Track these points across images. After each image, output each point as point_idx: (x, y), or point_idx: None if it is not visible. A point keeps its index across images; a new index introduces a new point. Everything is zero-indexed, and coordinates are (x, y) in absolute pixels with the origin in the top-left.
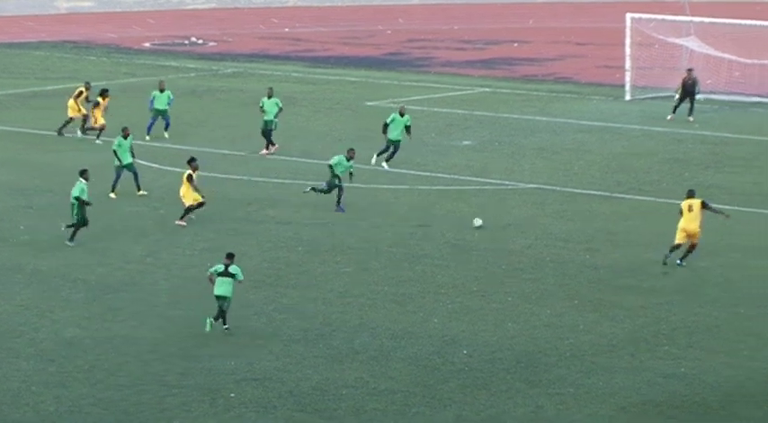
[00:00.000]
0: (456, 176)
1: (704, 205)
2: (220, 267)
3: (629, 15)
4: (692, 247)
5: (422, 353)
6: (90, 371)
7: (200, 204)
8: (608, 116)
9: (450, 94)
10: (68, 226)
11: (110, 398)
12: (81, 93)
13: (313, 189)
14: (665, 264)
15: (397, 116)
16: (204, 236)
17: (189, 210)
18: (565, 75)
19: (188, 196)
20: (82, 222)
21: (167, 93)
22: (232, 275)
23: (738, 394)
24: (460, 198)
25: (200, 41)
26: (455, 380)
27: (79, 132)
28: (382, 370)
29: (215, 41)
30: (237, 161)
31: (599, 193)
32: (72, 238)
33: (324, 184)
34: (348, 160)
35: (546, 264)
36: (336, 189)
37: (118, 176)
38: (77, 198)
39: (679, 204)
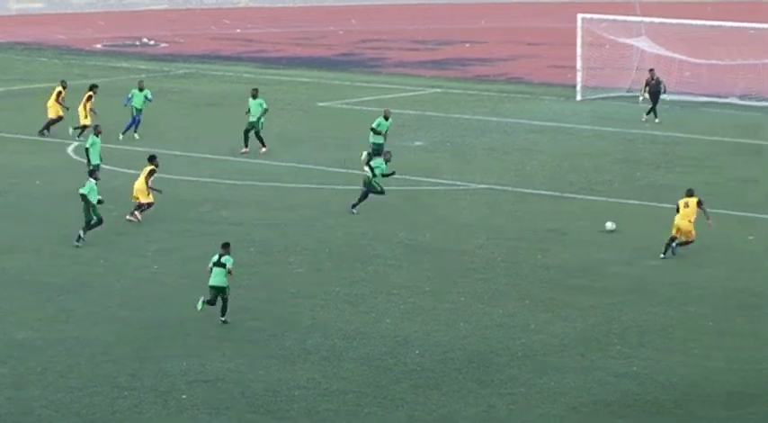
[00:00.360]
0: (407, 177)
1: (700, 204)
2: (215, 258)
3: (580, 16)
4: (686, 242)
5: (374, 353)
6: (42, 373)
7: (150, 205)
8: (559, 116)
9: (402, 94)
10: (88, 226)
11: (61, 400)
12: (60, 93)
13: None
14: (663, 256)
15: (383, 120)
16: (156, 237)
17: (140, 207)
18: (516, 75)
19: (142, 192)
20: (91, 221)
21: (145, 91)
22: (224, 265)
23: (692, 393)
24: (412, 198)
25: (152, 42)
26: (407, 380)
27: (70, 130)
28: (334, 370)
29: (166, 42)
30: (189, 162)
31: (550, 193)
32: (79, 238)
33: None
34: (386, 162)
35: (498, 264)
36: (368, 192)
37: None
38: (83, 196)
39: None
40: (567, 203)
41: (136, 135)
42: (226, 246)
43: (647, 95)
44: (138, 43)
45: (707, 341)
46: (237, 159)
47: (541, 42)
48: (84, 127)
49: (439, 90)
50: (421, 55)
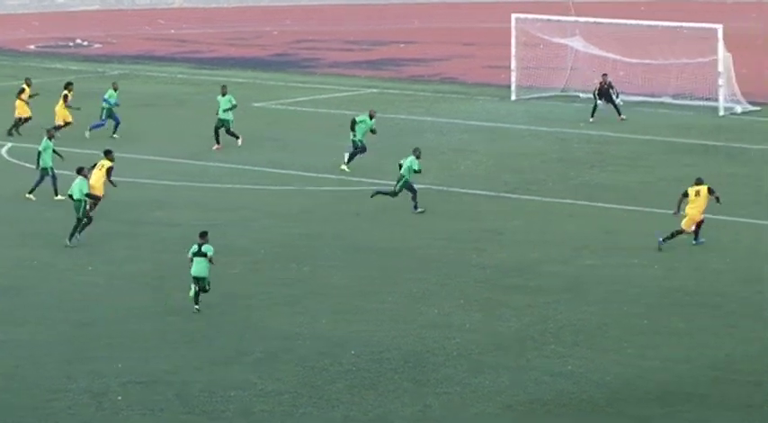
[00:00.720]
0: (344, 177)
1: (711, 191)
2: (195, 247)
3: (514, 16)
4: (698, 225)
5: (310, 354)
6: None
7: (98, 199)
8: (494, 116)
9: (338, 94)
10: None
11: None
12: (23, 90)
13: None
14: (660, 249)
15: (367, 118)
16: (92, 238)
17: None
18: (451, 75)
19: (98, 187)
20: (82, 220)
21: (117, 93)
22: (205, 255)
23: (625, 392)
24: (348, 199)
25: (86, 43)
26: (343, 380)
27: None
28: (270, 371)
29: (100, 43)
30: (124, 163)
31: (485, 192)
32: (71, 236)
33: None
34: (417, 158)
35: (433, 264)
36: (411, 187)
37: (41, 179)
38: (70, 195)
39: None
40: (502, 203)
41: (114, 135)
42: (203, 234)
43: (599, 100)
44: (71, 44)
45: (641, 340)
46: (173, 160)
47: (476, 42)
48: (67, 124)
49: (374, 90)
50: (355, 55)
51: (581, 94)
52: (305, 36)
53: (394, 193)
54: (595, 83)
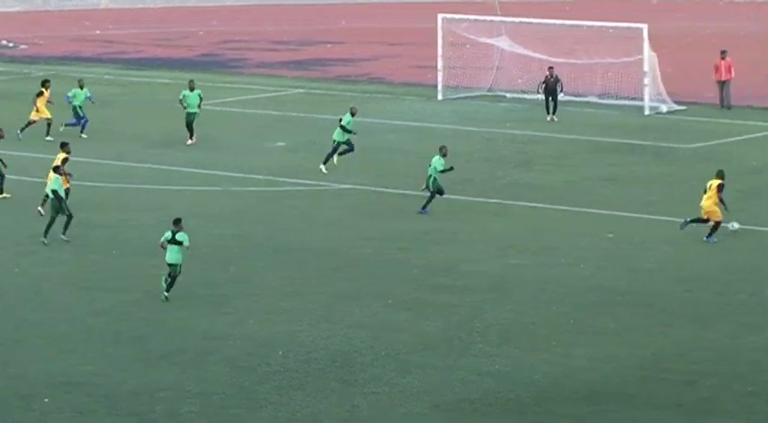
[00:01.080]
0: (271, 178)
1: (719, 188)
2: (168, 234)
3: (440, 16)
4: (715, 226)
5: (238, 354)
6: None
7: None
8: (421, 116)
9: (264, 95)
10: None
11: None
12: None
13: (426, 189)
14: (682, 228)
15: (350, 117)
16: (16, 240)
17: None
18: (378, 75)
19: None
20: (63, 218)
21: (86, 90)
22: (179, 243)
23: (553, 391)
24: (275, 199)
25: (11, 44)
26: (271, 381)
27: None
28: (198, 372)
29: (26, 44)
30: (49, 164)
31: (412, 192)
32: (64, 232)
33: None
34: (443, 157)
35: (360, 263)
36: (434, 194)
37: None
38: (54, 191)
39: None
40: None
41: (83, 135)
42: (177, 222)
43: (542, 94)
44: None
45: (568, 339)
46: (98, 161)
47: (403, 42)
48: (31, 124)
49: (301, 90)
50: (282, 55)
51: (507, 94)
52: (232, 36)
53: (440, 192)
54: (519, 83)
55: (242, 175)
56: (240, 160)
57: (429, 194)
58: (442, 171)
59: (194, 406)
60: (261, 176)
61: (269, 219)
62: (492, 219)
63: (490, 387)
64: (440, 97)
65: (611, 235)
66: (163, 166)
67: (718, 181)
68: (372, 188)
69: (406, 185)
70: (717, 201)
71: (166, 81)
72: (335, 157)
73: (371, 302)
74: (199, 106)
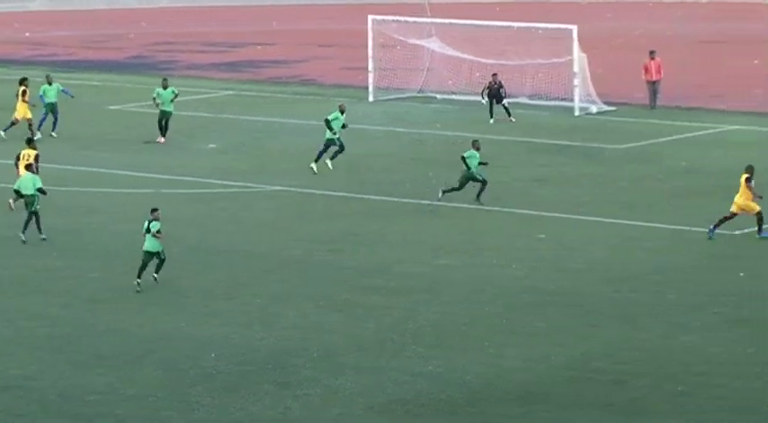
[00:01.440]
0: (201, 179)
1: (747, 181)
2: (146, 224)
3: (370, 17)
4: (760, 219)
5: (170, 357)
6: None
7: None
8: (352, 118)
9: (195, 97)
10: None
11: None
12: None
13: (444, 192)
14: (709, 238)
15: (339, 114)
16: None
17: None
18: (309, 77)
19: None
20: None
21: (56, 85)
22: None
23: (485, 392)
24: (204, 201)
25: None
26: (204, 383)
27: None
28: (131, 375)
29: None
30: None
31: (342, 193)
32: (38, 229)
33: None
34: (477, 151)
35: (291, 265)
36: (476, 182)
37: None
38: (17, 191)
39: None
40: (360, 204)
41: (53, 133)
42: (154, 211)
43: (486, 99)
44: None
45: (501, 340)
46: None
47: (333, 44)
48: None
49: (231, 92)
50: (212, 57)
51: (437, 96)
52: (162, 38)
53: (483, 182)
54: (450, 85)
55: (173, 176)
56: (171, 162)
57: (481, 184)
58: (481, 164)
59: (127, 408)
60: (192, 178)
61: (200, 221)
62: (423, 220)
63: (423, 388)
64: (371, 99)
65: (542, 236)
66: (93, 168)
67: (745, 175)
68: (302, 190)
69: (337, 187)
70: (750, 196)
71: (95, 83)
72: (329, 162)
73: (303, 304)
74: (172, 102)
